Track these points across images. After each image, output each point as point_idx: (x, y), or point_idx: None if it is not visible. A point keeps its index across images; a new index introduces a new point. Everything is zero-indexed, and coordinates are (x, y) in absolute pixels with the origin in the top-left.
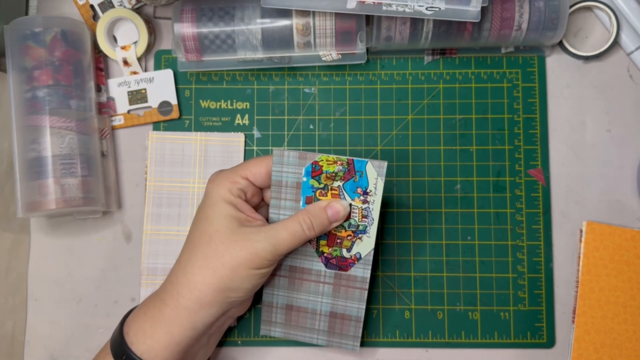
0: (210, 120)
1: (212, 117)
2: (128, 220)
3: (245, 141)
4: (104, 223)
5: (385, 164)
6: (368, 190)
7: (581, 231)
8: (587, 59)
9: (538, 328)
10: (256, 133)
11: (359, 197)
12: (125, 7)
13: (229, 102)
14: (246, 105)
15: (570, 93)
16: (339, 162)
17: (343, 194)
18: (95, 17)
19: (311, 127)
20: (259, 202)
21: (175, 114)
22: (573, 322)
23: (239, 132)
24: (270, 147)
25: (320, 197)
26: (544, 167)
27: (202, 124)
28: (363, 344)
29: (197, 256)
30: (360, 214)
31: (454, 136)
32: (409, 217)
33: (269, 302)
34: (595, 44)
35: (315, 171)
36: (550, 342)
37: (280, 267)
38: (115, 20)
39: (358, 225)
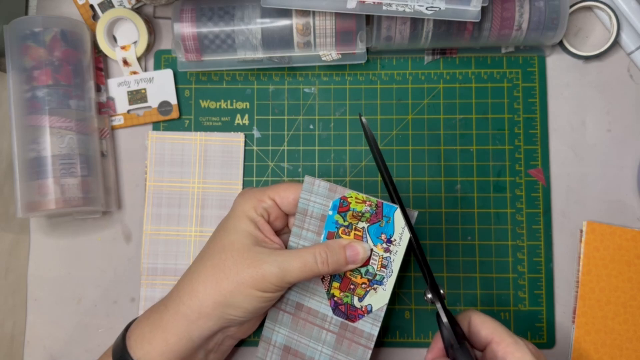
0: (210, 120)
1: (212, 117)
2: (128, 220)
3: (245, 141)
4: (103, 223)
5: (415, 213)
6: (392, 239)
7: (581, 231)
8: (587, 58)
9: (538, 328)
10: (256, 133)
11: (381, 244)
12: (125, 7)
13: (228, 102)
14: (246, 105)
15: (570, 93)
16: (367, 203)
17: (366, 237)
18: (95, 17)
19: (311, 127)
20: (282, 228)
21: (175, 114)
22: (573, 322)
23: (239, 132)
24: (270, 147)
25: (342, 235)
26: (544, 167)
27: (202, 123)
28: None
29: (205, 265)
30: (380, 263)
31: (454, 136)
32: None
33: (267, 338)
34: (596, 43)
35: (342, 207)
36: (550, 343)
37: (287, 302)
38: (115, 20)
39: (375, 274)
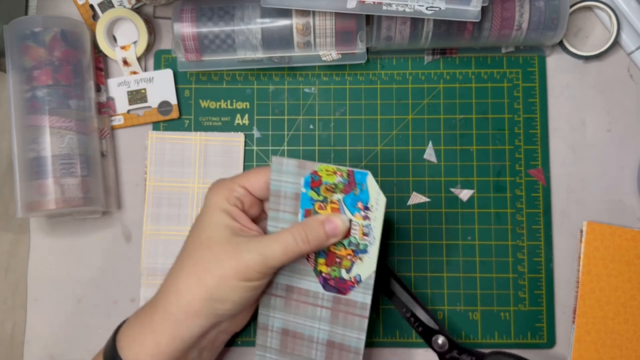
0: (210, 120)
1: (212, 117)
2: (128, 220)
3: (245, 141)
4: (103, 223)
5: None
6: (369, 206)
7: (581, 231)
8: (587, 58)
9: (538, 328)
10: (256, 133)
11: (359, 213)
12: (125, 7)
13: (228, 102)
14: (246, 105)
15: (570, 93)
16: (338, 173)
17: (343, 209)
18: (95, 17)
19: (311, 127)
20: (258, 214)
21: (175, 114)
22: (573, 322)
23: (239, 132)
24: (270, 147)
25: (319, 211)
26: (544, 167)
27: (202, 123)
28: None
29: (187, 262)
30: (361, 231)
31: (454, 136)
32: (409, 217)
33: (264, 325)
34: (596, 43)
35: (314, 182)
36: (550, 343)
37: (276, 286)
38: (115, 20)
39: (358, 244)
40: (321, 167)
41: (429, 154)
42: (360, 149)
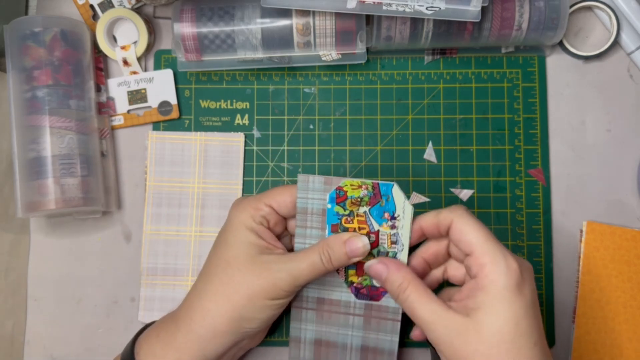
0: (210, 120)
1: (212, 117)
2: (128, 220)
3: (245, 141)
4: (103, 223)
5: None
6: (396, 215)
7: (581, 231)
8: (587, 58)
9: None
10: (256, 133)
11: (386, 223)
12: (125, 7)
13: (228, 102)
14: (246, 105)
15: (570, 93)
16: (363, 187)
17: (370, 221)
18: (95, 17)
19: (311, 127)
20: (282, 232)
21: (175, 114)
22: (573, 322)
23: (239, 132)
24: (270, 147)
25: (346, 225)
26: (544, 167)
27: (202, 123)
28: None
29: (213, 282)
30: (389, 240)
31: (454, 136)
32: None
33: (296, 338)
34: (596, 43)
35: (339, 197)
36: (550, 342)
37: (307, 299)
38: (115, 20)
39: (387, 252)
40: (346, 182)
41: (429, 154)
42: (360, 149)
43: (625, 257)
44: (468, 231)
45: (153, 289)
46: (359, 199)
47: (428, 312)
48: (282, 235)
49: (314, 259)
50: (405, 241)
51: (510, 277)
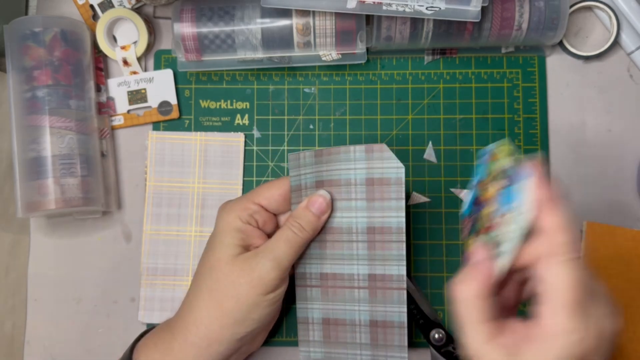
0: (210, 120)
1: (212, 117)
2: (128, 220)
3: (245, 141)
4: (103, 223)
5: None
6: (520, 210)
7: (581, 231)
8: (587, 58)
9: None
10: (256, 133)
11: (510, 212)
12: (125, 6)
13: (228, 102)
14: (246, 105)
15: (570, 93)
16: (512, 159)
17: (501, 200)
18: (95, 16)
19: (311, 127)
20: (273, 230)
21: (175, 114)
22: None
23: (239, 132)
24: (270, 147)
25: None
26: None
27: (202, 123)
28: None
29: (201, 289)
30: (503, 234)
31: (454, 136)
32: (409, 217)
33: (303, 319)
34: (596, 43)
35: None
36: None
37: (310, 276)
38: (115, 20)
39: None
40: (503, 146)
41: (429, 154)
42: None
43: (625, 258)
44: (554, 282)
45: (153, 289)
46: (503, 170)
47: (475, 343)
48: (273, 234)
49: (287, 234)
50: (513, 246)
51: (573, 346)
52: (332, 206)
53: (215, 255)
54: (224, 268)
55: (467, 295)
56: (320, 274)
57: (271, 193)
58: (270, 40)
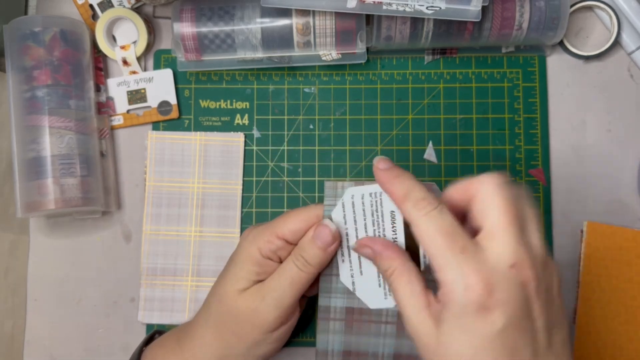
0: (210, 120)
1: (212, 117)
2: (127, 220)
3: (245, 141)
4: (103, 223)
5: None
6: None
7: (582, 231)
8: (587, 58)
9: None
10: (256, 133)
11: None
12: (124, 6)
13: (228, 101)
14: (246, 105)
15: (570, 93)
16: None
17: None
18: (94, 16)
19: (311, 127)
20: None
21: (174, 114)
22: (574, 322)
23: (239, 132)
24: (270, 147)
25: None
26: (545, 167)
27: (202, 123)
28: None
29: (210, 316)
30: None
31: (454, 136)
32: None
33: (323, 351)
34: (596, 43)
35: None
36: None
37: (335, 310)
38: (115, 20)
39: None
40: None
41: (429, 154)
42: (360, 149)
43: (625, 258)
44: (494, 207)
45: (153, 289)
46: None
47: (409, 307)
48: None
49: (291, 271)
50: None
51: (467, 297)
52: (339, 237)
53: (225, 287)
54: (229, 302)
55: (394, 265)
56: (347, 308)
57: (298, 226)
58: (270, 40)
